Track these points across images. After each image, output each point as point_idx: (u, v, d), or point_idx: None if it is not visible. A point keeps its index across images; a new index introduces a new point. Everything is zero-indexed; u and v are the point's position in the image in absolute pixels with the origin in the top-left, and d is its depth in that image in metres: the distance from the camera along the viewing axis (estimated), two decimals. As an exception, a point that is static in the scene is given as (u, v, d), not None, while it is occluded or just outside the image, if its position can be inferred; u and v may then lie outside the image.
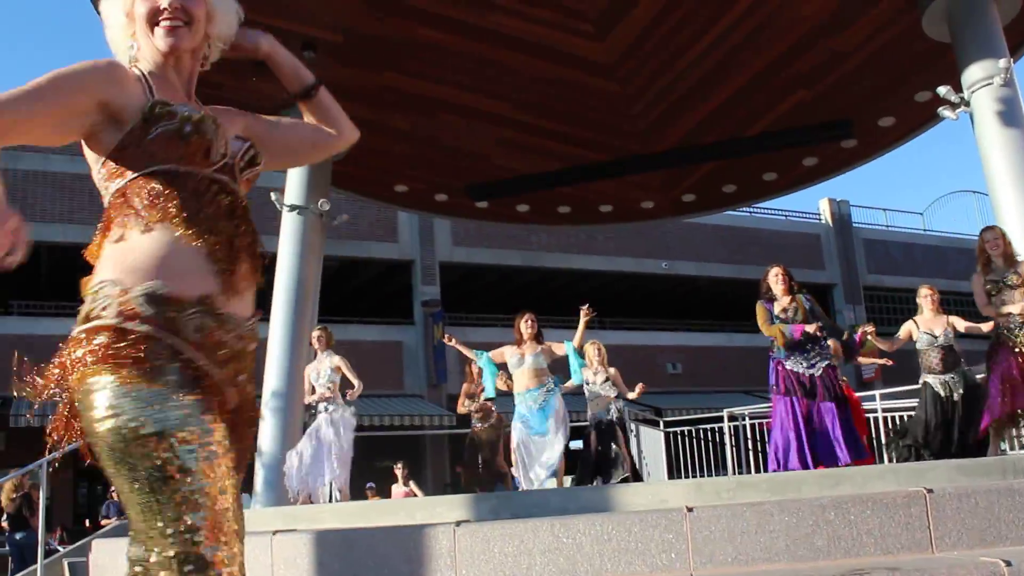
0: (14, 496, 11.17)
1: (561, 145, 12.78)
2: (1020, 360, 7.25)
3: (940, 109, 9.39)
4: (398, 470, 13.59)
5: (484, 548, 4.41)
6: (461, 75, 11.20)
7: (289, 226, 11.45)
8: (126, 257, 1.81)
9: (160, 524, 1.61)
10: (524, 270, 25.76)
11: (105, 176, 1.90)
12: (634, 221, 16.58)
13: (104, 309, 1.75)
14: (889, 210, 32.43)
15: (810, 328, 7.63)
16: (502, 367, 9.04)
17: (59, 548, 11.34)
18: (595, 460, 9.73)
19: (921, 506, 4.18)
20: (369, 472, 13.16)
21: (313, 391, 9.25)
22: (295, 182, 11.57)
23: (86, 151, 1.96)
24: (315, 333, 9.60)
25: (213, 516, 1.63)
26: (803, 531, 4.18)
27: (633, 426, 13.81)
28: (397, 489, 13.45)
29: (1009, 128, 8.91)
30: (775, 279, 7.87)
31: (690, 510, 4.29)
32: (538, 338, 8.81)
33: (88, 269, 1.96)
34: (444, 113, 11.99)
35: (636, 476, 9.97)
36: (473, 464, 10.78)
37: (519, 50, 10.72)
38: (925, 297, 8.56)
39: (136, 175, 1.86)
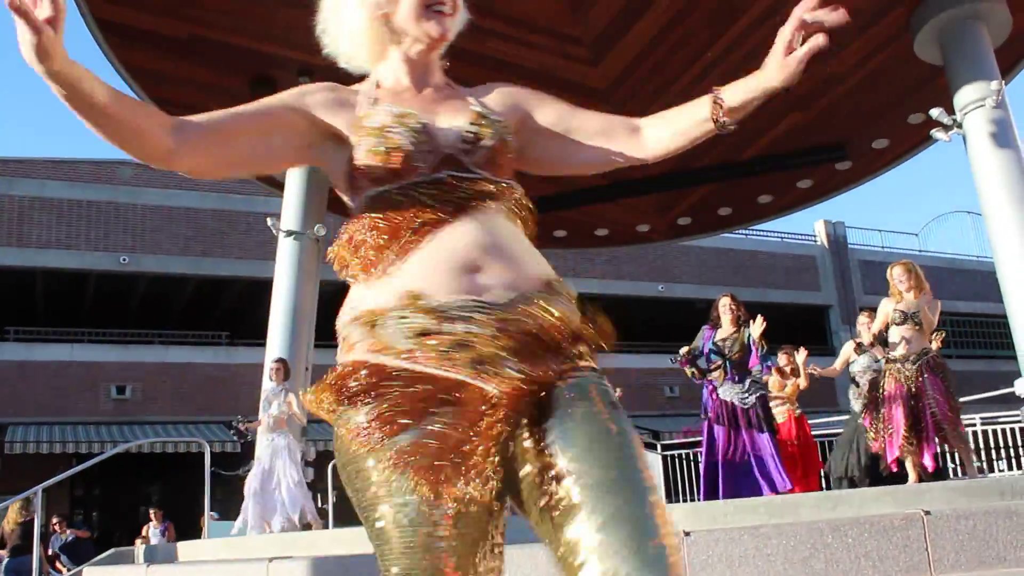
0: (21, 521, 11.11)
1: (557, 169, 12.82)
2: (904, 401, 7.29)
3: (933, 131, 9.45)
4: None
5: (481, 573, 4.39)
6: (457, 100, 11.25)
7: (285, 252, 11.46)
8: (349, 295, 1.75)
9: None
10: (521, 294, 25.75)
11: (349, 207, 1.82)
12: (630, 244, 16.62)
13: (339, 350, 1.73)
14: (885, 231, 32.53)
15: (679, 356, 7.90)
16: None
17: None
18: None
19: (919, 528, 4.17)
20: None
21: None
22: (291, 208, 11.59)
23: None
24: (273, 365, 9.61)
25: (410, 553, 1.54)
26: (801, 554, 4.17)
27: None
28: None
29: (1002, 149, 8.97)
30: (724, 308, 7.97)
31: (687, 534, 4.28)
32: None
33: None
34: (440, 138, 12.04)
35: None
36: None
37: (515, 76, 10.76)
38: (863, 325, 8.62)
39: (357, 213, 1.76)
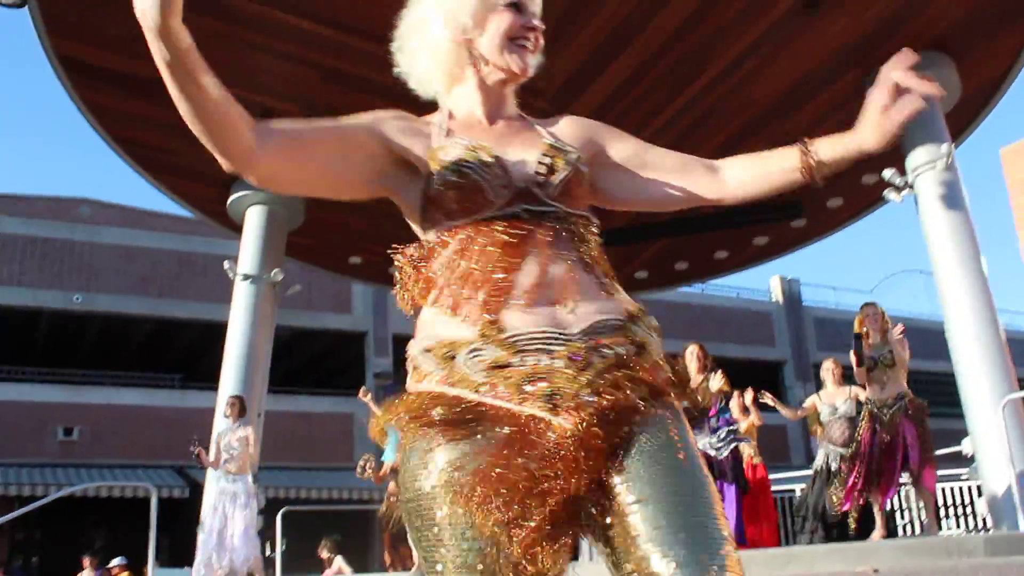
0: None
1: (516, 219, 12.87)
2: (882, 442, 7.39)
3: (885, 192, 9.64)
4: (323, 552, 12.42)
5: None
6: (418, 148, 11.29)
7: (241, 295, 11.38)
8: (419, 323, 1.73)
9: None
10: (478, 343, 25.68)
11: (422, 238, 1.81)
12: (588, 296, 16.64)
13: (409, 378, 1.69)
14: (839, 289, 32.99)
15: None
16: None
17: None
18: None
19: (868, 585, 4.19)
20: (315, 547, 12.81)
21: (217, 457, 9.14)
22: (248, 251, 11.52)
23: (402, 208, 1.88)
24: (229, 400, 9.49)
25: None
26: (751, 610, 4.16)
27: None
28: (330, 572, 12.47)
29: (951, 210, 9.17)
30: (690, 357, 8.00)
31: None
32: None
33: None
34: (401, 185, 12.05)
35: None
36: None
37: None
38: (827, 371, 8.74)
39: (430, 245, 1.77)
